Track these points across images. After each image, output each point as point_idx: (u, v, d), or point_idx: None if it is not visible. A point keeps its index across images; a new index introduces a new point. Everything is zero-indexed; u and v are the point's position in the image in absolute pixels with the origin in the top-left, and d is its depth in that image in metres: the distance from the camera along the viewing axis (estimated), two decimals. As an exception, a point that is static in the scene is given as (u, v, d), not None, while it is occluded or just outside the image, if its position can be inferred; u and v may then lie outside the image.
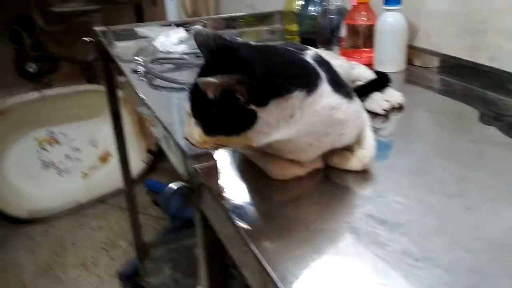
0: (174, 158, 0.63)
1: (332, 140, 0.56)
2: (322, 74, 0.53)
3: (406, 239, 0.46)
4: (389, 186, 0.56)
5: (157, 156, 2.38)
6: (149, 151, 2.32)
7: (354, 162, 0.57)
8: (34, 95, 2.13)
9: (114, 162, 2.28)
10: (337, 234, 0.47)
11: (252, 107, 0.48)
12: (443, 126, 0.74)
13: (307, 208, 0.52)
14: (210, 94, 0.47)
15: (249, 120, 0.48)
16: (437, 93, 0.86)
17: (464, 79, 0.88)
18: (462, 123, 0.74)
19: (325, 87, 0.52)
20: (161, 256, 1.68)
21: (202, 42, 0.54)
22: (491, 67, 0.85)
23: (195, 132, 0.51)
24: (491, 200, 0.52)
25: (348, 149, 0.58)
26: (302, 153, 0.56)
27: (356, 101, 0.59)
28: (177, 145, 0.59)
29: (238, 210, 0.50)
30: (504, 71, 0.82)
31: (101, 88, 2.25)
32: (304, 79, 0.51)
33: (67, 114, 2.23)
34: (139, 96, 0.81)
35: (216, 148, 0.53)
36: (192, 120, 0.51)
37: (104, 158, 2.32)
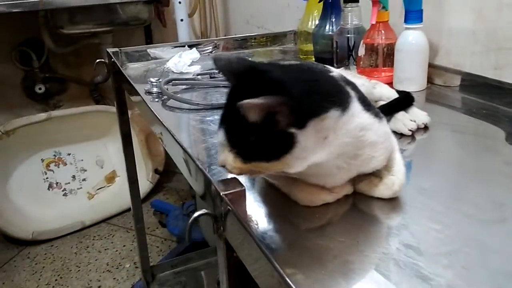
0: (195, 183, 0.60)
1: (361, 164, 0.52)
2: (352, 93, 0.51)
3: (451, 272, 0.42)
4: (423, 212, 0.53)
5: (163, 176, 2.36)
6: (156, 171, 2.30)
7: (383, 190, 0.53)
8: (41, 116, 2.12)
9: (120, 182, 2.27)
10: (376, 267, 0.44)
11: (292, 130, 0.45)
12: (472, 147, 0.71)
13: (339, 237, 0.49)
14: (253, 117, 0.44)
15: (287, 145, 0.46)
16: (461, 113, 0.84)
17: (488, 98, 0.86)
18: (491, 144, 0.71)
19: (356, 106, 0.50)
20: (168, 279, 1.63)
21: (224, 66, 0.51)
22: (517, 86, 0.82)
23: (230, 160, 0.48)
24: (537, 229, 0.49)
25: (377, 175, 0.54)
26: (329, 177, 0.52)
27: (385, 122, 0.56)
28: (200, 170, 0.56)
29: (267, 240, 0.47)
30: (531, 90, 0.79)
31: (108, 108, 2.27)
32: (338, 97, 0.48)
33: (74, 135, 2.22)
34: (157, 118, 0.78)
35: (252, 174, 0.50)
36: (227, 148, 0.49)
37: (110, 179, 2.30)
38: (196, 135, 0.77)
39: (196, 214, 0.46)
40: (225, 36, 2.17)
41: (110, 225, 2.16)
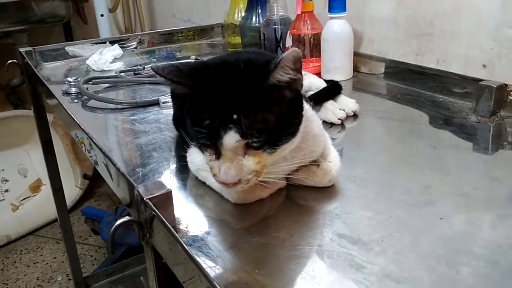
0: (117, 188, 0.55)
1: (302, 159, 0.52)
2: None
3: (384, 259, 0.42)
4: (355, 200, 0.53)
5: (93, 181, 2.24)
6: (85, 176, 2.18)
7: (321, 176, 0.53)
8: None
9: (46, 191, 2.12)
10: (311, 260, 0.42)
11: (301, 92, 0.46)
12: (398, 133, 0.73)
13: (275, 233, 0.47)
14: (287, 74, 0.43)
15: (300, 112, 0.46)
16: (387, 99, 0.85)
17: (412, 84, 0.88)
18: (417, 129, 0.73)
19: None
20: (104, 289, 1.56)
21: (172, 72, 0.45)
22: (439, 70, 0.85)
23: (252, 161, 0.44)
24: (463, 209, 0.50)
25: (313, 163, 0.54)
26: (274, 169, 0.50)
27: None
28: (121, 174, 0.52)
29: (199, 244, 0.44)
30: (452, 73, 0.82)
31: (28, 113, 2.11)
32: None
33: (-8, 143, 2.05)
34: (74, 120, 0.72)
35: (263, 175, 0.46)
36: (241, 151, 0.44)
37: (35, 188, 2.16)
38: (120, 136, 0.72)
39: (117, 222, 0.42)
40: (150, 30, 2.09)
41: (38, 237, 2.02)
